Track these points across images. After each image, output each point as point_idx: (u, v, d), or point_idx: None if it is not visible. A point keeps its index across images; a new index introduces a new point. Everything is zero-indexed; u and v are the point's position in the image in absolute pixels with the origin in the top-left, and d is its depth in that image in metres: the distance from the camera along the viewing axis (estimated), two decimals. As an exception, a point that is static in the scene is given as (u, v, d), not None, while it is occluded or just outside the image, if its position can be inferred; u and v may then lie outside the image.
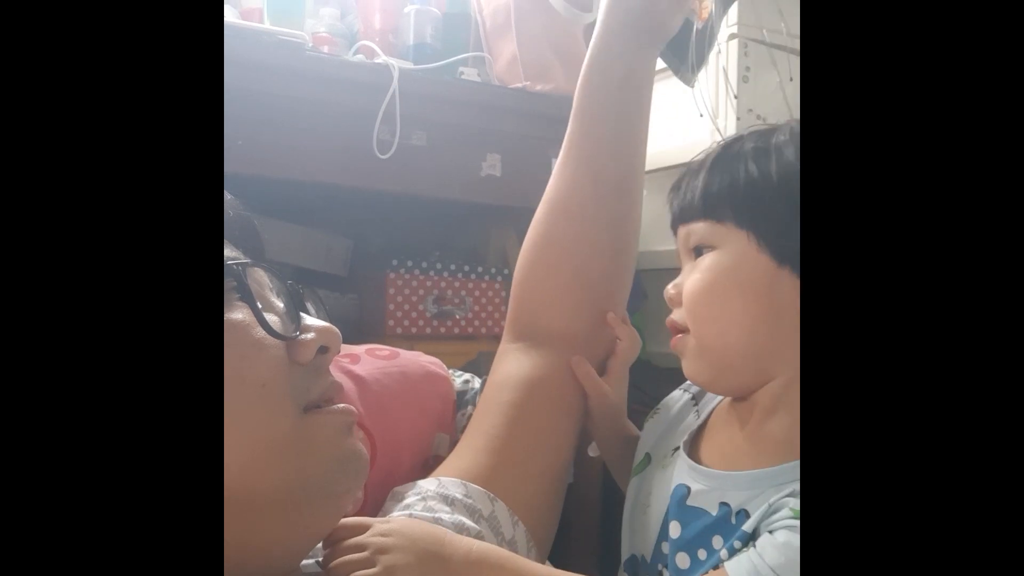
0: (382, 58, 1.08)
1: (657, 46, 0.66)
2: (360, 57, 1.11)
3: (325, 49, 1.09)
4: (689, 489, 0.54)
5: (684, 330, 0.56)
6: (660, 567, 0.55)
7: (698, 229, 0.55)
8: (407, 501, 0.52)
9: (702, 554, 0.52)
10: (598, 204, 0.63)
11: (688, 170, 0.58)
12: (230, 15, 1.09)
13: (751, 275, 0.53)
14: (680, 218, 0.57)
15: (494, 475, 0.55)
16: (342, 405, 0.46)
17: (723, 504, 0.52)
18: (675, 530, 0.54)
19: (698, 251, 0.55)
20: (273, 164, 1.00)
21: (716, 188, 0.55)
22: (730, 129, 1.46)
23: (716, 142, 0.59)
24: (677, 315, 0.56)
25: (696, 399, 0.63)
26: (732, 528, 0.50)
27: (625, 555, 0.59)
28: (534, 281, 0.64)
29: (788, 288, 0.52)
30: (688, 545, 0.53)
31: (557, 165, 0.66)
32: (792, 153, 0.54)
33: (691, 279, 0.55)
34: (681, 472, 0.56)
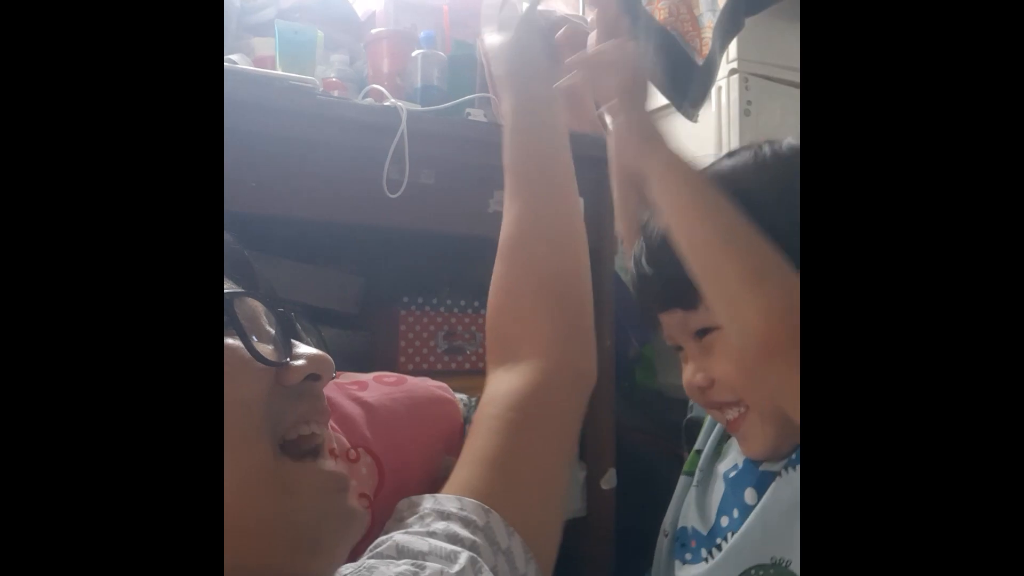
0: (390, 100, 1.11)
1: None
2: (369, 100, 1.14)
3: (335, 93, 1.12)
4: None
5: (736, 404, 0.58)
6: (719, 539, 0.60)
7: (697, 317, 0.57)
8: (407, 519, 0.53)
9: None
10: (540, 229, 0.69)
11: (650, 248, 0.60)
12: (243, 62, 1.12)
13: None
14: (667, 303, 0.59)
15: (486, 487, 0.56)
16: (332, 467, 0.47)
17: (793, 460, 0.57)
18: (751, 496, 0.59)
19: (701, 332, 0.58)
20: (286, 204, 1.02)
21: None
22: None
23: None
24: (721, 395, 0.58)
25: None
26: (791, 460, 0.56)
27: (675, 526, 0.64)
28: (504, 308, 0.69)
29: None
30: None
31: (504, 209, 0.73)
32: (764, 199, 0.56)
33: (723, 360, 0.57)
34: (739, 454, 0.61)
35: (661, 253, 0.59)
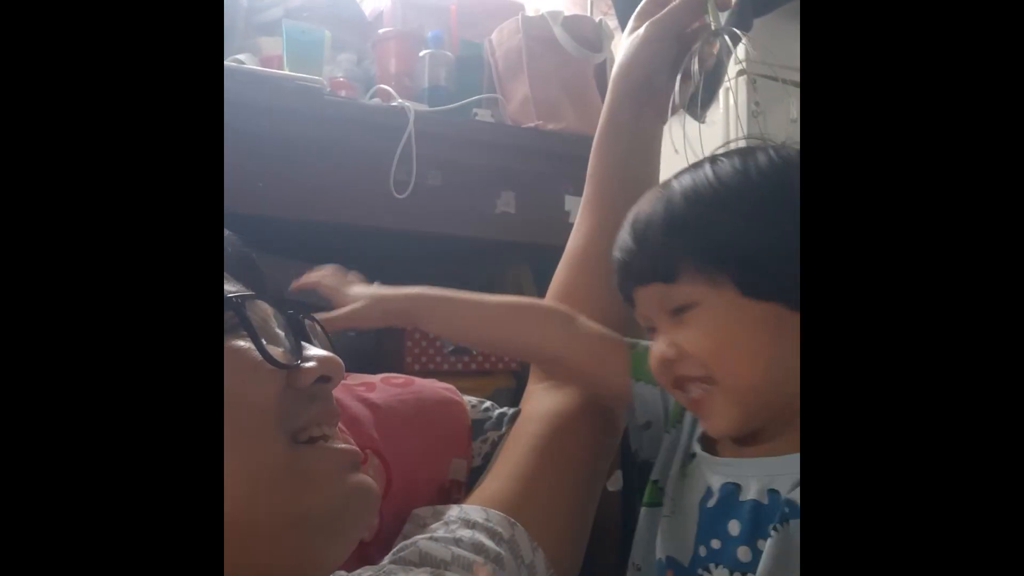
0: (398, 101, 1.11)
1: (662, 117, 0.72)
2: (376, 100, 1.14)
3: (343, 93, 1.12)
4: (739, 486, 0.57)
5: (702, 380, 0.57)
6: (700, 570, 0.57)
7: (677, 291, 0.56)
8: (431, 525, 0.53)
9: (761, 544, 0.54)
10: (611, 249, 0.66)
11: (636, 228, 0.59)
12: (250, 62, 1.13)
13: (749, 317, 0.55)
14: (647, 277, 0.58)
15: (517, 502, 0.56)
16: (342, 444, 0.47)
17: (771, 491, 0.55)
18: (735, 527, 0.56)
19: (679, 309, 0.57)
20: (293, 205, 1.02)
21: (690, 246, 0.56)
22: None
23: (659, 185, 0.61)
24: (689, 369, 0.57)
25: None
26: (783, 513, 0.54)
27: (648, 559, 0.61)
28: None
29: (778, 319, 0.54)
30: (749, 539, 0.55)
31: (576, 221, 0.71)
32: (750, 182, 0.56)
33: (697, 334, 0.56)
34: (714, 474, 0.59)
35: (646, 230, 0.58)
